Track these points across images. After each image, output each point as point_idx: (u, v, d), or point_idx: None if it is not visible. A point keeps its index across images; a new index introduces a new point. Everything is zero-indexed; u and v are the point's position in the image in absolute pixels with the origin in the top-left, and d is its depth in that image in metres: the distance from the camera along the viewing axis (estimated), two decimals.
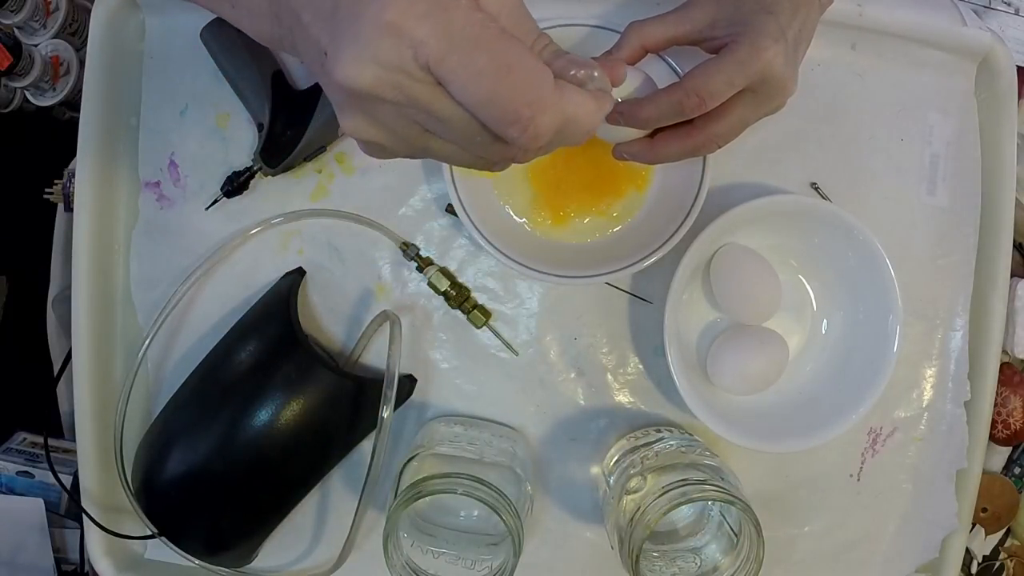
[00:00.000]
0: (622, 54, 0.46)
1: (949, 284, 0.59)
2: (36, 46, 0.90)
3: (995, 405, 0.61)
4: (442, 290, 0.56)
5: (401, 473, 0.50)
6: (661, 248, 0.52)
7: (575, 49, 0.52)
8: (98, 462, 0.58)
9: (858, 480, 0.60)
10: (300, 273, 0.58)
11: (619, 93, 0.45)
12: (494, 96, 0.30)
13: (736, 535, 0.50)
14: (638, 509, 0.46)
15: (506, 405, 0.58)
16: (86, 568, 0.75)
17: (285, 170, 0.55)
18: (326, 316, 0.58)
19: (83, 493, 0.58)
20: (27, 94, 0.91)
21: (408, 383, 0.57)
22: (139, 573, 0.59)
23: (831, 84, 0.57)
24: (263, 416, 0.52)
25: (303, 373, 0.53)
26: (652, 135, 0.47)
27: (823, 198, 0.57)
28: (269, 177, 0.56)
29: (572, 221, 0.55)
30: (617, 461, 0.54)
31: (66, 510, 0.78)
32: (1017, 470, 0.68)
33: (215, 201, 0.57)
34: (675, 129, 0.46)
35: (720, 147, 0.46)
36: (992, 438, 0.63)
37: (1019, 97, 0.59)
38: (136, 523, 0.55)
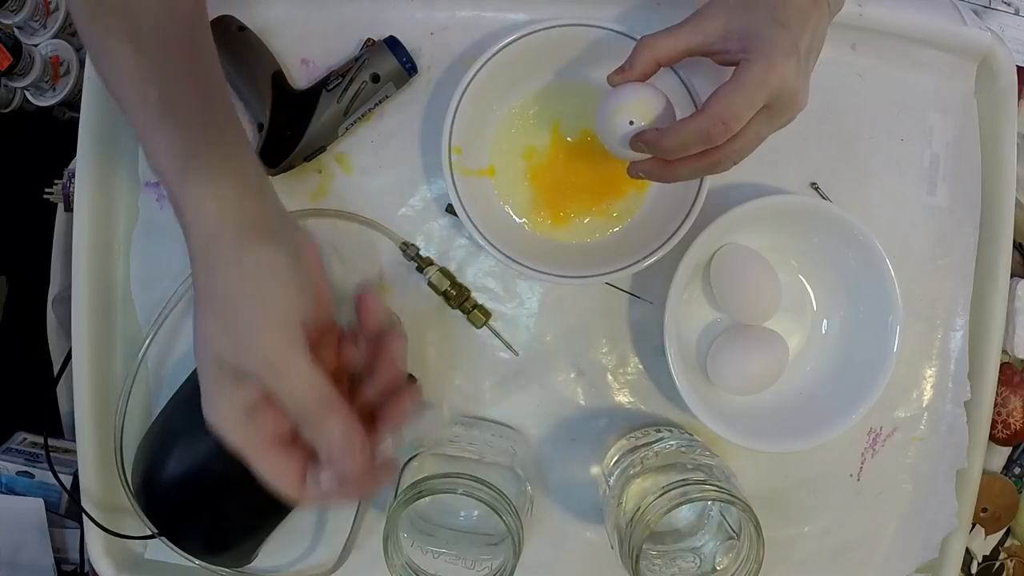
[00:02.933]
0: (636, 70, 0.45)
1: (949, 284, 0.59)
2: (36, 46, 0.90)
3: (995, 405, 0.61)
4: (442, 290, 0.56)
5: (401, 473, 0.50)
6: (661, 248, 0.52)
7: (587, 51, 0.52)
8: (98, 462, 0.58)
9: (858, 480, 0.60)
10: None
11: (643, 118, 0.45)
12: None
13: (736, 535, 0.50)
14: (638, 509, 0.46)
15: (506, 405, 0.58)
16: (86, 568, 0.75)
17: (285, 170, 0.55)
18: None
19: (83, 493, 0.58)
20: (27, 94, 0.91)
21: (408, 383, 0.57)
22: (139, 573, 0.59)
23: (831, 84, 0.57)
24: None
25: None
26: None
27: (823, 198, 0.57)
28: (269, 177, 0.56)
29: (572, 221, 0.55)
30: (617, 461, 0.54)
31: (66, 510, 0.78)
32: (1017, 470, 0.68)
33: None
34: None
35: (736, 163, 0.45)
36: (992, 438, 0.63)
37: (1019, 97, 0.59)
38: (136, 523, 0.55)
